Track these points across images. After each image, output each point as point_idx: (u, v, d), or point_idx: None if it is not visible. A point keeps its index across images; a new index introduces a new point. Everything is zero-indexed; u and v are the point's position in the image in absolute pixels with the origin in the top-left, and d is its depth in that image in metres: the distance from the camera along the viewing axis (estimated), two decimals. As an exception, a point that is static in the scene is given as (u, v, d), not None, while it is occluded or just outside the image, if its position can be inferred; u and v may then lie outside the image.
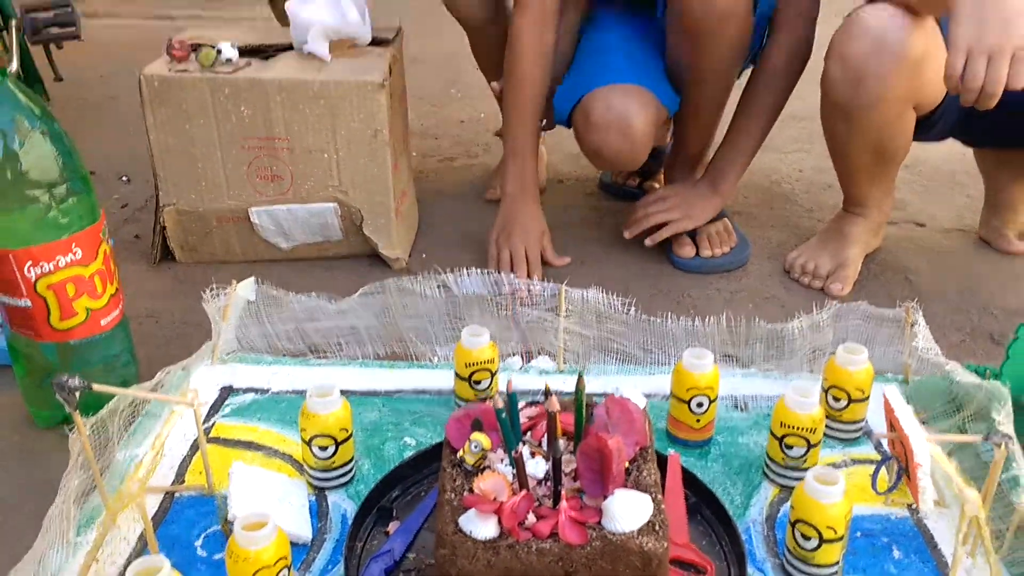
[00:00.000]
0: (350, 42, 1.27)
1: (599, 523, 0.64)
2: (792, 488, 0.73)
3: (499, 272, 1.25)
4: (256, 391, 0.95)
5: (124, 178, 1.59)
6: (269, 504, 0.75)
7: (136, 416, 0.88)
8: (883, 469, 0.78)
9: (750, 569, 0.72)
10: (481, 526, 0.63)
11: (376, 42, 1.30)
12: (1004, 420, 0.75)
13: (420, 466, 0.82)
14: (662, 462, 0.80)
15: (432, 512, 0.77)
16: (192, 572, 0.71)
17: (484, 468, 0.69)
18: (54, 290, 0.85)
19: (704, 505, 0.79)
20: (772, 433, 0.82)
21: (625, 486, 0.66)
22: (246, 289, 0.99)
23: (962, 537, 0.67)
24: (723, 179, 1.31)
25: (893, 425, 0.74)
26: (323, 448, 0.79)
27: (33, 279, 0.84)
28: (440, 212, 1.50)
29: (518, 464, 0.66)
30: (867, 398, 0.87)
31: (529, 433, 0.72)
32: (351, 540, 0.74)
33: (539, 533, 0.63)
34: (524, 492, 0.66)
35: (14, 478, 0.87)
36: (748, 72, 1.33)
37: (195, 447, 0.86)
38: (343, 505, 0.80)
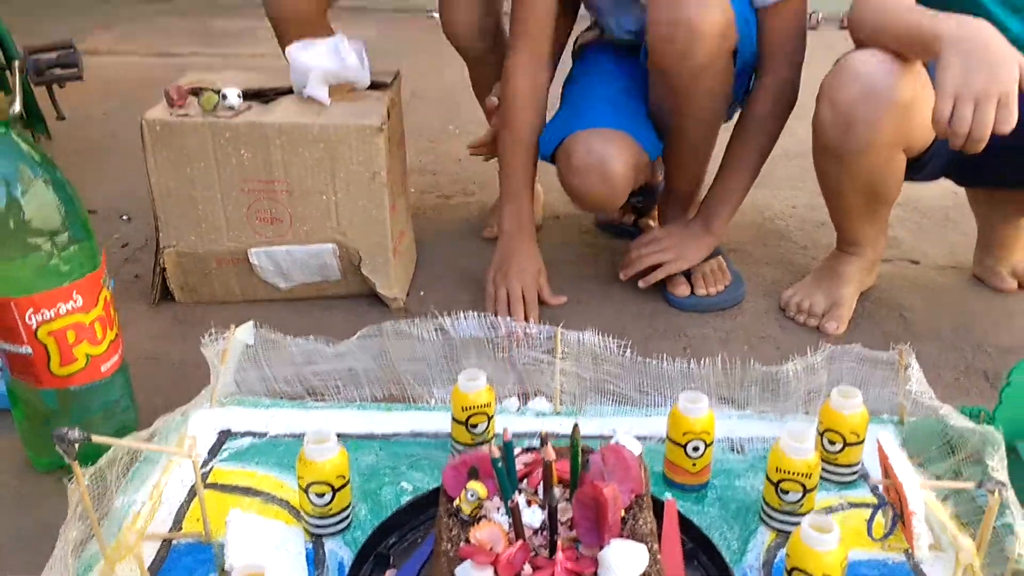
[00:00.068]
0: (349, 86, 1.29)
1: (595, 574, 0.64)
2: (789, 533, 0.73)
3: (496, 311, 1.27)
4: (254, 435, 0.96)
5: (125, 217, 1.60)
6: (266, 553, 0.75)
7: (134, 461, 0.88)
8: (879, 514, 0.78)
9: (747, 617, 0.72)
10: (478, 577, 0.63)
11: (375, 86, 1.32)
12: (998, 466, 0.76)
13: (417, 512, 0.83)
14: (659, 507, 0.80)
15: (428, 560, 0.77)
16: (189, 622, 0.71)
17: (480, 517, 0.69)
18: (55, 337, 0.86)
19: (701, 551, 0.79)
20: (768, 478, 0.82)
21: (621, 535, 0.67)
22: (244, 333, 0.99)
23: (957, 585, 0.67)
24: (715, 219, 1.33)
25: (887, 472, 0.74)
26: (320, 495, 0.79)
27: (34, 326, 0.85)
28: (438, 250, 1.52)
29: (514, 514, 0.66)
30: (862, 441, 0.87)
31: (525, 480, 0.73)
32: (348, 589, 0.74)
33: (535, 584, 0.63)
34: (520, 542, 0.66)
35: (12, 522, 0.87)
36: (738, 112, 1.35)
37: (193, 493, 0.86)
38: (340, 552, 0.80)
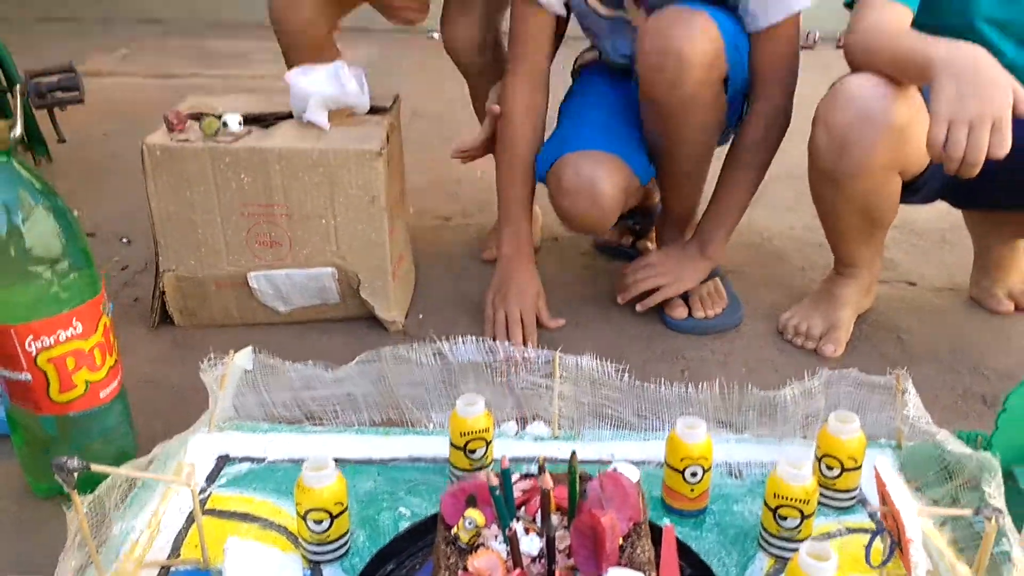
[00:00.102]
0: (349, 111, 1.30)
1: (593, 603, 0.64)
2: (787, 559, 0.73)
3: (495, 334, 1.27)
4: (252, 460, 0.96)
5: (124, 239, 1.61)
6: (264, 581, 0.75)
7: (133, 487, 0.88)
8: (876, 541, 0.78)
9: (745, 645, 0.72)
10: (476, 607, 0.63)
11: (374, 110, 1.33)
12: (994, 492, 0.76)
13: (415, 539, 0.83)
14: (657, 533, 0.80)
15: (427, 587, 0.77)
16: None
17: (478, 545, 0.69)
18: (54, 363, 0.86)
19: (699, 578, 0.79)
20: (766, 504, 0.82)
21: (619, 564, 0.67)
22: (243, 359, 1.00)
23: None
24: (710, 243, 1.33)
25: (885, 499, 0.74)
26: (318, 522, 0.79)
27: (34, 353, 0.85)
28: (437, 272, 1.52)
29: (512, 542, 0.66)
30: (860, 466, 0.87)
31: (523, 508, 0.73)
32: (346, 617, 0.74)
33: (533, 613, 0.64)
34: (518, 570, 0.66)
35: (12, 548, 0.87)
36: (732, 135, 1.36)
37: (191, 519, 0.86)
38: (338, 580, 0.80)
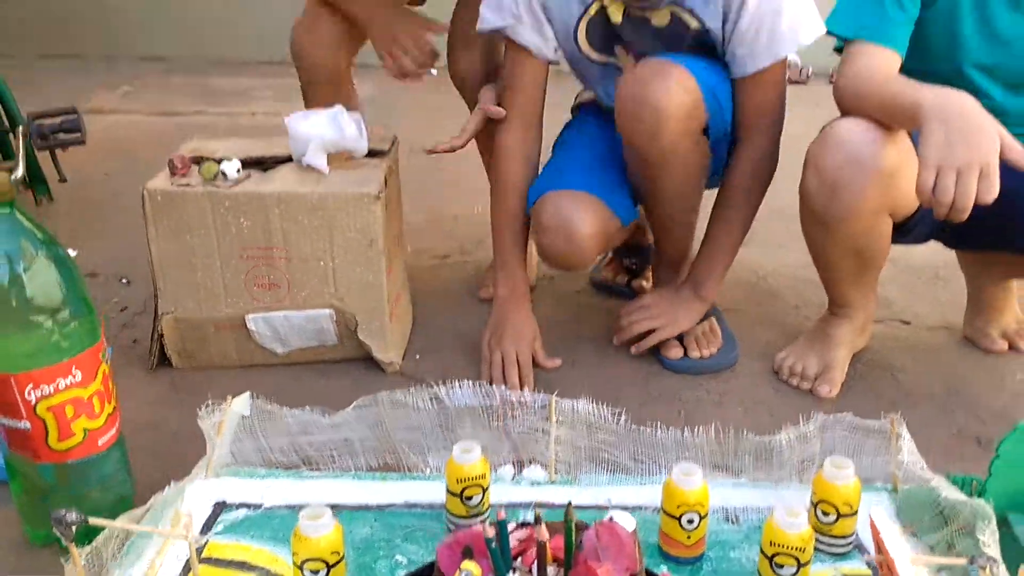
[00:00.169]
0: (347, 154, 1.32)
1: (589, 657, 0.64)
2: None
3: (491, 376, 1.28)
4: (249, 506, 0.96)
5: (124, 280, 1.62)
6: (260, 632, 0.75)
7: (130, 536, 0.88)
8: (872, 589, 0.78)
9: None
10: (471, 661, 0.63)
11: (372, 153, 1.35)
12: (989, 540, 0.76)
13: (412, 588, 0.83)
14: (653, 582, 0.81)
15: (423, 638, 0.77)
16: None
17: (475, 598, 0.69)
18: (53, 412, 0.87)
19: (696, 627, 0.79)
20: (762, 551, 0.82)
21: (615, 616, 0.67)
22: (241, 404, 1.00)
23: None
24: (703, 285, 1.34)
25: (880, 547, 0.75)
26: (315, 572, 0.79)
27: (33, 402, 0.86)
28: (434, 311, 1.53)
29: (508, 595, 0.67)
30: (855, 512, 0.88)
31: (519, 559, 0.73)
32: (342, 669, 0.73)
33: (529, 668, 0.64)
34: (514, 624, 0.66)
35: (7, 599, 0.87)
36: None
37: (188, 567, 0.86)
38: (335, 630, 0.79)
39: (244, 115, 2.87)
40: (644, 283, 1.60)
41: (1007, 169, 0.99)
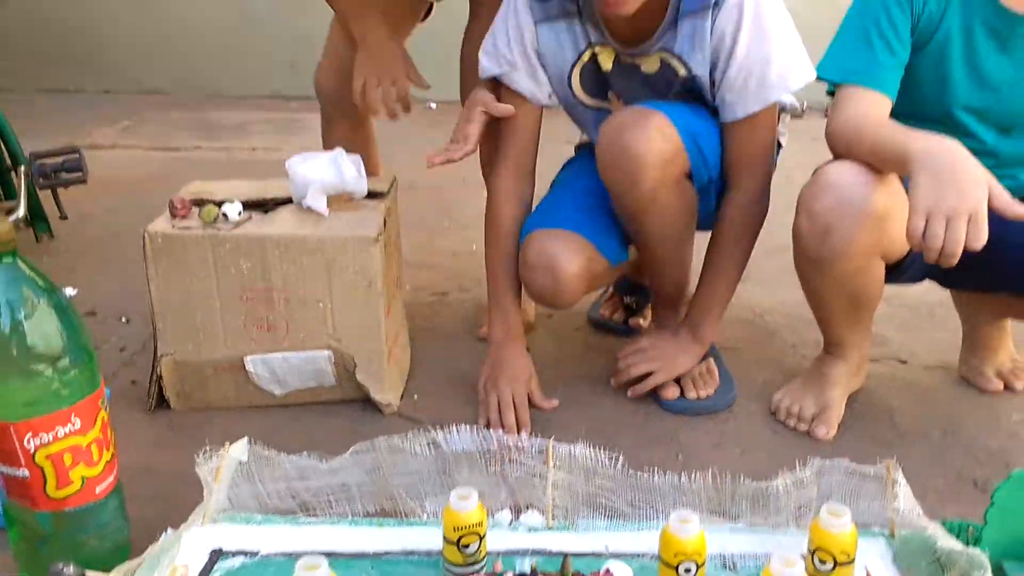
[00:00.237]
0: (347, 196, 1.33)
1: None
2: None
3: (488, 419, 1.28)
4: (245, 554, 0.95)
5: (124, 319, 1.62)
6: None
7: (127, 584, 0.88)
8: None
9: None
10: None
11: (372, 195, 1.36)
12: (985, 591, 0.76)
13: (409, 638, 0.82)
14: (651, 632, 0.80)
15: None
16: None
17: (472, 652, 0.69)
18: (52, 460, 0.87)
19: None
20: (760, 601, 0.82)
21: (612, 671, 0.67)
22: (238, 450, 1.00)
23: None
24: (701, 326, 1.35)
25: (876, 598, 0.75)
26: (312, 623, 0.79)
27: (32, 450, 0.86)
28: (432, 350, 1.53)
29: (505, 651, 0.66)
30: (853, 560, 0.88)
31: (517, 612, 0.73)
32: None
33: None
34: None
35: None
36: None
37: (184, 617, 0.86)
38: None
39: (243, 150, 2.89)
40: (642, 321, 1.60)
41: (995, 216, 1.00)
